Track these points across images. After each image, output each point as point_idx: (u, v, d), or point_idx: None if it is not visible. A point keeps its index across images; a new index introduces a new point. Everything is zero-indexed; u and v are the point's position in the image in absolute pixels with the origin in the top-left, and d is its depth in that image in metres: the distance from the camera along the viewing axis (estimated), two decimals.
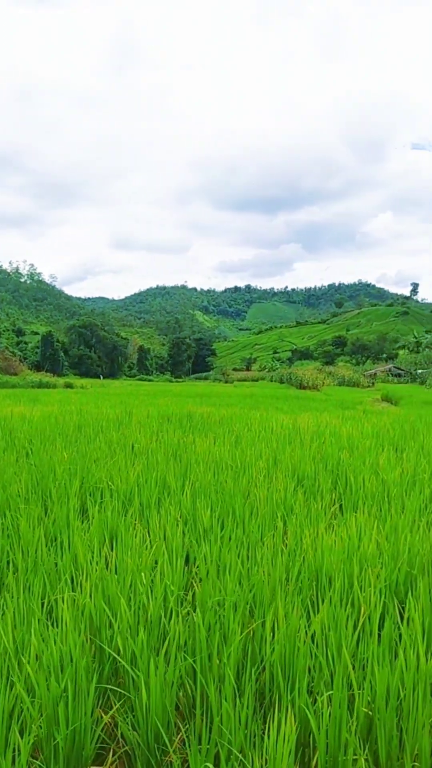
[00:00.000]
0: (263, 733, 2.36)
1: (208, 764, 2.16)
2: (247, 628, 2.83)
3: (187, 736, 2.40)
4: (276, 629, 2.67)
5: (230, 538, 3.86)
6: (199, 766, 2.14)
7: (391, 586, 3.38)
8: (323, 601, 3.03)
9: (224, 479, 5.49)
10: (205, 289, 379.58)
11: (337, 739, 2.17)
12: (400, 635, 2.81)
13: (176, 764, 2.32)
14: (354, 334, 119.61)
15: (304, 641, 2.62)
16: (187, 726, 2.47)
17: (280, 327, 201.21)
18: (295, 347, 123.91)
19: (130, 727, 2.38)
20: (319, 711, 2.22)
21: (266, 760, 2.10)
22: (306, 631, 2.72)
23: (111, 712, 2.46)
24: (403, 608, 3.23)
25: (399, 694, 2.36)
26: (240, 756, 2.16)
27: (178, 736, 2.50)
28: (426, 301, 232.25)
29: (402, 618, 3.11)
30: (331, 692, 2.33)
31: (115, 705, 2.53)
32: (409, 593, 3.23)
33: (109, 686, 2.60)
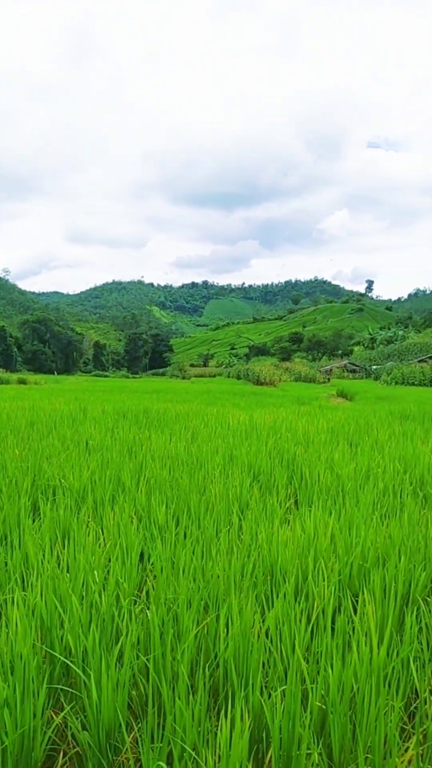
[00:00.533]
0: (217, 729, 2.34)
1: (160, 763, 2.13)
2: (201, 625, 2.81)
3: (139, 735, 2.36)
4: (230, 625, 2.66)
5: (185, 535, 3.84)
6: (152, 765, 2.11)
7: (345, 580, 3.42)
8: (278, 596, 3.03)
9: (180, 475, 5.46)
10: (162, 284, 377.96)
11: (291, 734, 2.17)
12: (354, 628, 2.85)
13: (129, 764, 2.28)
14: (310, 330, 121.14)
15: (258, 637, 2.61)
16: (141, 725, 2.44)
17: (238, 323, 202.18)
18: (252, 343, 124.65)
19: (80, 728, 2.33)
20: (273, 706, 2.22)
21: (219, 756, 2.09)
22: (260, 627, 2.72)
23: (63, 714, 2.41)
24: (357, 601, 3.26)
25: (352, 687, 2.38)
26: (193, 754, 2.14)
27: (131, 736, 2.46)
28: (381, 298, 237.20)
29: (356, 611, 3.14)
30: (284, 687, 2.33)
31: (67, 706, 2.48)
32: (363, 586, 3.28)
33: (60, 686, 2.55)
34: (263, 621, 2.85)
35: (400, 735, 2.44)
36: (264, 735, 2.28)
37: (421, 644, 2.83)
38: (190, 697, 2.28)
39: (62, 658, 2.56)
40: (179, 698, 2.26)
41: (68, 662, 2.51)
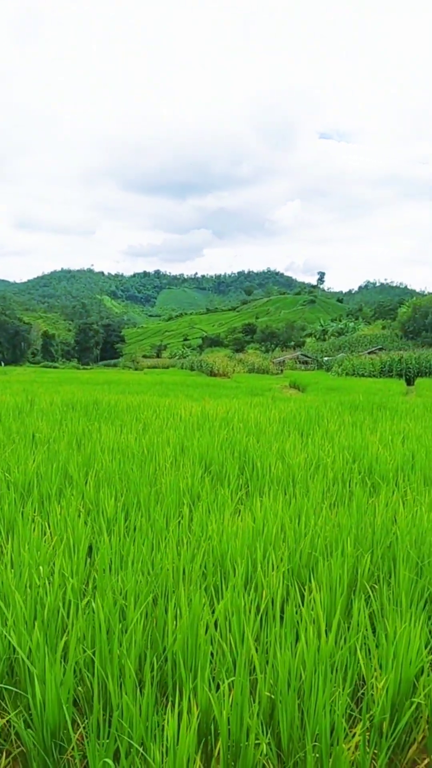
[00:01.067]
0: (166, 723, 2.32)
1: (107, 760, 2.09)
2: (149, 618, 2.77)
3: (85, 733, 2.32)
4: (179, 618, 2.64)
5: (135, 528, 3.79)
6: (97, 762, 2.07)
7: (295, 569, 3.44)
8: (227, 588, 3.02)
9: (130, 467, 5.39)
10: (113, 273, 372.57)
11: (240, 725, 2.16)
12: (303, 617, 2.86)
13: (75, 762, 2.23)
14: (263, 321, 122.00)
15: (207, 628, 2.60)
16: (87, 721, 2.39)
17: (191, 314, 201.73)
18: (205, 334, 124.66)
19: (24, 726, 2.26)
20: (222, 698, 2.20)
21: (167, 750, 2.06)
22: (209, 618, 2.71)
23: (10, 716, 2.34)
24: (306, 590, 3.29)
25: (301, 676, 2.39)
26: (140, 749, 2.11)
27: (78, 733, 2.41)
28: (332, 290, 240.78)
29: (303, 600, 3.16)
30: (233, 678, 2.32)
31: (11, 705, 2.40)
32: (311, 575, 3.30)
33: (3, 686, 2.47)
34: (213, 612, 2.83)
35: (349, 721, 2.47)
36: (213, 727, 2.27)
37: (368, 630, 2.87)
38: (137, 691, 2.25)
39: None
40: (126, 693, 2.23)
41: (12, 659, 2.43)
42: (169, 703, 2.29)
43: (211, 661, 2.64)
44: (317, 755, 2.13)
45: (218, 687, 2.45)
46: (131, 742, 2.12)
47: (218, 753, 2.22)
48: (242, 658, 2.28)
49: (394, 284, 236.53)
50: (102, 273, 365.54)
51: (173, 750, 2.01)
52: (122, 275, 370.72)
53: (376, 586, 3.28)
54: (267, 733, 2.26)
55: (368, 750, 2.16)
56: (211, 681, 2.49)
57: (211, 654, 2.63)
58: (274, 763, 2.24)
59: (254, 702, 2.31)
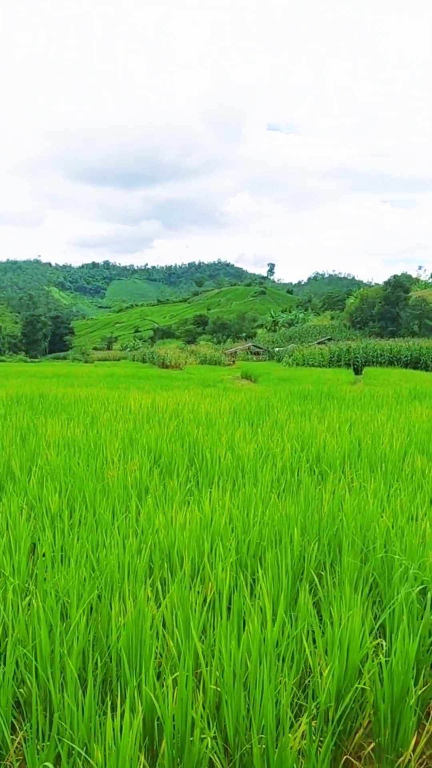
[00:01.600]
0: (108, 723, 2.26)
1: (47, 764, 2.03)
2: (93, 616, 2.71)
3: (24, 737, 2.24)
4: (123, 614, 2.58)
5: (79, 523, 3.70)
6: (37, 766, 2.01)
7: (242, 560, 3.43)
8: (174, 581, 2.98)
9: (76, 462, 5.28)
10: (61, 264, 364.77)
11: (184, 721, 2.13)
12: (249, 608, 2.85)
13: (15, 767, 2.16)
14: (215, 313, 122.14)
15: (153, 624, 2.55)
16: (26, 725, 2.31)
17: (142, 305, 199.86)
18: (156, 326, 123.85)
19: None
20: (166, 694, 2.17)
21: (109, 752, 2.01)
22: (155, 614, 2.66)
23: None
24: (254, 580, 3.28)
25: (247, 667, 2.37)
26: (82, 752, 2.05)
27: (20, 736, 2.33)
28: (282, 282, 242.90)
29: (252, 591, 3.15)
30: (176, 674, 2.28)
31: None
32: (259, 565, 3.29)
33: None
34: (158, 607, 2.79)
35: (297, 710, 2.48)
36: (156, 724, 2.23)
37: (315, 618, 2.89)
38: (80, 692, 2.19)
39: None
40: (67, 694, 2.16)
41: None
42: (112, 703, 2.24)
43: (157, 657, 2.60)
44: (263, 746, 2.11)
45: (163, 683, 2.41)
46: (72, 744, 2.06)
47: (164, 750, 2.18)
48: (187, 652, 2.25)
49: (342, 275, 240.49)
50: (49, 264, 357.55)
51: (115, 750, 1.96)
52: (71, 266, 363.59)
53: (323, 573, 3.30)
54: (213, 727, 2.24)
55: (314, 738, 2.17)
56: (157, 678, 2.45)
57: (157, 649, 2.59)
58: (221, 756, 2.22)
59: (200, 696, 2.28)
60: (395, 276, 57.19)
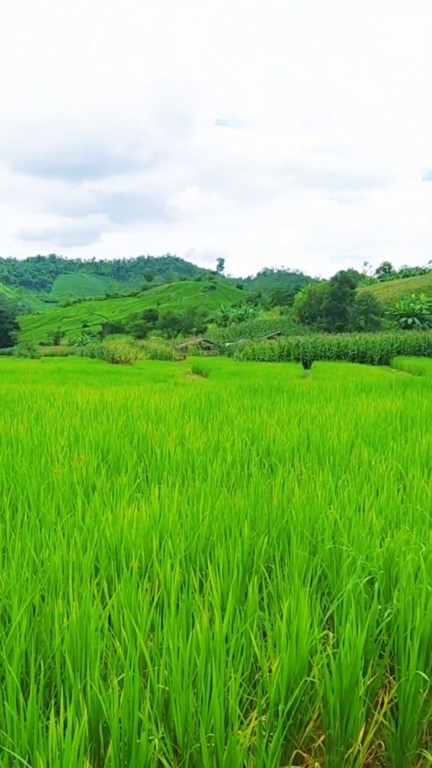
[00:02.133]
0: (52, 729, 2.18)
1: None
2: (36, 618, 2.61)
3: None
4: (68, 616, 2.49)
5: (21, 523, 3.57)
6: None
7: (192, 555, 3.39)
8: (120, 580, 2.91)
9: (18, 460, 5.11)
10: (5, 257, 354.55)
11: (131, 723, 2.07)
12: (199, 604, 2.81)
13: None
14: (165, 307, 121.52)
15: (98, 625, 2.48)
16: None
17: (90, 299, 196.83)
18: (105, 321, 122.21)
19: None
20: (112, 696, 2.10)
21: (52, 759, 1.93)
22: (101, 614, 2.59)
23: None
24: (203, 576, 3.24)
25: (195, 665, 2.33)
26: (23, 761, 1.97)
27: None
28: (231, 277, 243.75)
29: (201, 587, 3.11)
30: (122, 675, 2.22)
31: None
32: (209, 560, 3.26)
33: None
34: (104, 607, 2.71)
35: (249, 705, 2.45)
36: (102, 728, 2.16)
37: (264, 612, 2.87)
38: (21, 698, 2.10)
39: None
40: (8, 701, 2.07)
41: None
42: (55, 708, 2.16)
43: (103, 658, 2.53)
44: (213, 745, 2.08)
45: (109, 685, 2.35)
46: (13, 753, 1.97)
47: (110, 754, 2.12)
48: (131, 653, 2.19)
49: (291, 271, 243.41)
50: None
51: (58, 756, 1.89)
52: (15, 260, 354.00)
53: (273, 567, 3.29)
54: (161, 728, 2.19)
55: (264, 734, 2.15)
56: (104, 679, 2.38)
57: (103, 651, 2.52)
58: (170, 757, 2.17)
59: (147, 696, 2.23)
60: (342, 272, 58.17)
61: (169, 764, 2.14)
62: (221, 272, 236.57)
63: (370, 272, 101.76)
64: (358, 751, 2.22)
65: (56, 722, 1.98)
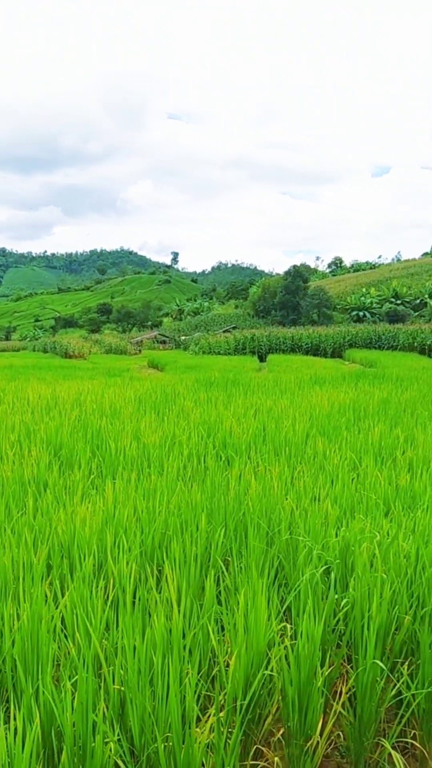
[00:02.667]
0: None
1: None
2: None
3: None
4: (18, 618, 2.40)
5: None
6: None
7: (148, 551, 3.32)
8: (74, 579, 2.82)
9: None
10: None
11: (86, 726, 2.00)
12: (156, 601, 2.75)
13: None
14: (119, 301, 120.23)
15: (51, 626, 2.39)
16: None
17: (41, 293, 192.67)
18: (58, 315, 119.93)
19: None
20: (65, 699, 2.03)
21: (2, 766, 1.85)
22: (53, 615, 2.50)
23: None
24: (159, 572, 3.18)
25: (152, 663, 2.27)
26: None
27: None
28: (186, 270, 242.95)
29: (158, 583, 3.05)
30: (76, 678, 2.14)
31: None
32: (165, 555, 3.20)
33: None
34: (57, 607, 2.62)
35: (207, 701, 2.41)
36: (53, 732, 2.09)
37: (222, 605, 2.84)
38: None
39: None
40: None
41: None
42: (6, 714, 2.07)
43: (56, 661, 2.45)
44: (170, 744, 2.03)
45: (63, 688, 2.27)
46: None
47: (64, 760, 2.04)
48: (87, 653, 2.12)
49: (245, 265, 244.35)
50: None
51: (8, 765, 1.81)
52: None
53: (230, 559, 3.26)
54: (117, 729, 2.13)
55: (222, 730, 2.11)
56: (57, 682, 2.30)
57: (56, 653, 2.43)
58: (127, 759, 2.11)
59: (101, 698, 2.16)
60: (295, 266, 58.68)
61: (126, 767, 2.08)
62: (176, 266, 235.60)
63: (322, 267, 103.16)
64: (318, 742, 2.20)
65: (6, 729, 1.89)
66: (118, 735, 2.11)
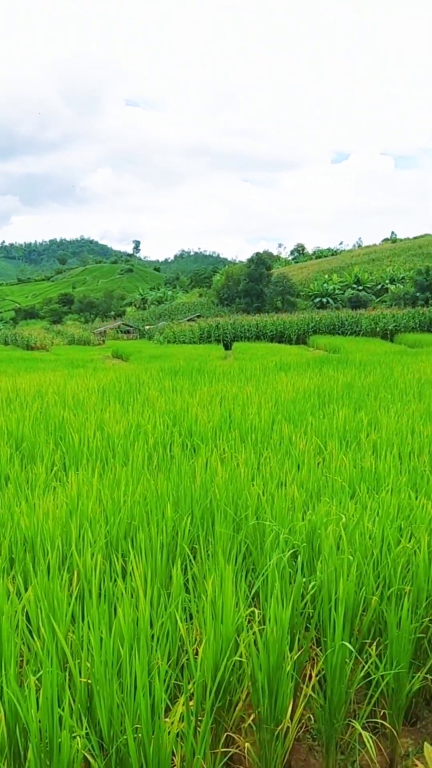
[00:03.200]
0: None
1: None
2: None
3: None
4: None
5: None
6: None
7: (113, 542, 3.27)
8: (37, 573, 2.76)
9: None
10: None
11: (52, 721, 1.95)
12: (122, 591, 2.71)
13: None
14: (81, 291, 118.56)
15: (14, 622, 2.33)
16: None
17: (0, 285, 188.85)
18: (18, 306, 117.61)
19: None
20: (30, 696, 1.97)
21: None
22: (17, 610, 2.44)
23: None
24: (126, 562, 3.14)
25: (119, 654, 2.24)
26: None
27: None
28: (148, 259, 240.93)
29: (125, 573, 3.01)
30: (40, 673, 2.09)
31: None
32: (131, 546, 3.16)
33: None
34: (20, 602, 2.56)
35: (178, 691, 2.39)
36: (18, 729, 2.03)
37: (190, 593, 2.82)
38: None
39: None
40: None
41: None
42: None
43: (21, 657, 2.39)
44: (140, 735, 2.00)
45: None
46: None
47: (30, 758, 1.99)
48: (52, 647, 2.06)
49: (208, 253, 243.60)
50: None
51: None
52: None
53: (197, 547, 3.24)
54: (85, 723, 2.09)
55: (192, 719, 2.09)
56: (22, 679, 2.25)
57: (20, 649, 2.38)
58: (96, 753, 2.08)
59: (68, 693, 2.11)
60: (257, 253, 58.75)
61: (95, 760, 2.04)
62: (138, 255, 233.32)
63: (285, 254, 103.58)
64: (288, 727, 2.20)
65: None
66: (87, 729, 2.07)
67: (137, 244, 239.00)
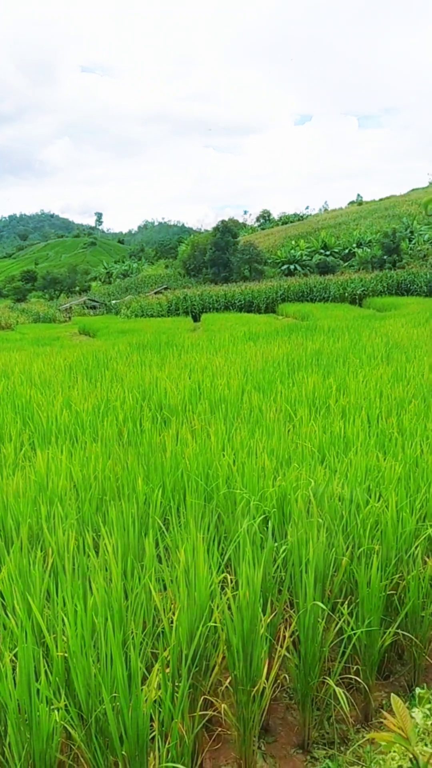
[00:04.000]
0: None
1: None
2: None
3: None
4: None
5: None
6: None
7: (85, 518, 3.27)
8: (9, 552, 2.75)
9: None
10: None
11: (30, 695, 1.97)
12: (95, 566, 2.72)
13: None
14: (43, 267, 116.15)
15: None
16: None
17: None
18: None
19: None
20: (6, 671, 1.98)
21: None
22: None
23: None
24: (98, 537, 3.14)
25: (95, 627, 2.25)
26: None
27: None
28: (112, 231, 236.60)
29: (97, 549, 3.02)
30: (16, 650, 2.10)
31: None
32: (103, 521, 3.16)
33: None
34: None
35: (154, 659, 2.42)
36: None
37: (163, 563, 2.84)
38: None
39: None
40: None
41: None
42: None
43: None
44: (118, 705, 2.03)
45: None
46: None
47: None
48: (26, 623, 2.07)
49: (172, 223, 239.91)
50: None
51: None
52: None
53: (169, 519, 3.26)
54: (63, 696, 2.11)
55: (168, 684, 2.12)
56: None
57: None
58: (75, 723, 2.10)
59: (44, 667, 2.13)
60: (223, 221, 58.07)
61: (74, 730, 2.07)
62: (100, 227, 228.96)
63: (251, 221, 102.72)
64: (264, 688, 2.26)
65: None
66: (65, 701, 2.09)
67: (99, 216, 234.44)
